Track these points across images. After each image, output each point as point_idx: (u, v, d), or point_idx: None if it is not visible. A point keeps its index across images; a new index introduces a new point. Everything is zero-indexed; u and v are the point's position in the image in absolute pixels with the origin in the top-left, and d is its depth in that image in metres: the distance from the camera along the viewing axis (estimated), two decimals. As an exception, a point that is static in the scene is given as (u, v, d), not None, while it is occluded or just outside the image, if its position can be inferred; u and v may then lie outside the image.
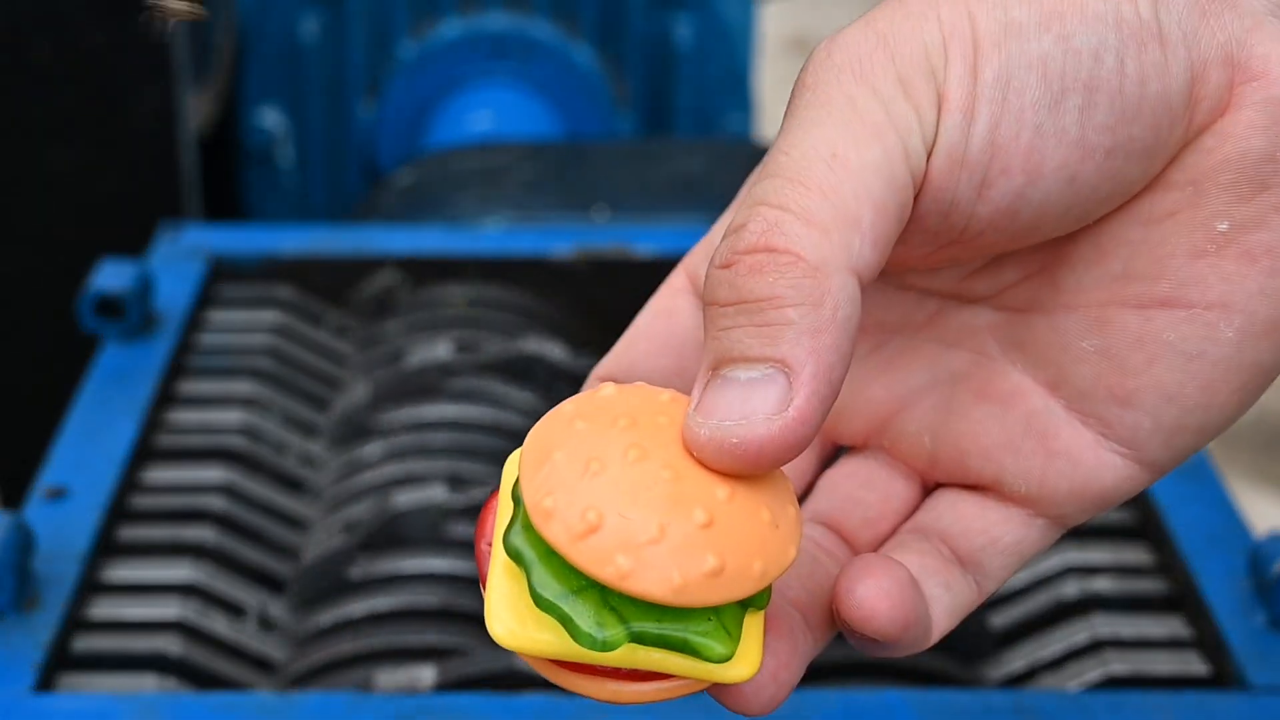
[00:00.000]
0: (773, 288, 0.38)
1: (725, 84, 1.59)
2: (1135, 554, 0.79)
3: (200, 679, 0.73)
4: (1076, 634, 0.75)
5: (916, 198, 0.40)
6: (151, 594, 0.76)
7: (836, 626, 0.43)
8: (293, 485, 0.87)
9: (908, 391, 0.46)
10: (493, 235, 1.05)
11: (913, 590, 0.41)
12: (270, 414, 0.90)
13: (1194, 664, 0.72)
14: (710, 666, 0.39)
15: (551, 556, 0.39)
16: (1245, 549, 0.76)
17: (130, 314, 0.90)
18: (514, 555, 0.39)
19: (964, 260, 0.44)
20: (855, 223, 0.38)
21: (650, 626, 0.39)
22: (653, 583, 0.38)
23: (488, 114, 1.54)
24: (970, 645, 0.76)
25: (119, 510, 0.80)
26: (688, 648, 0.39)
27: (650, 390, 0.41)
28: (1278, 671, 0.69)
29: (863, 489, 0.46)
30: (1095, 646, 0.74)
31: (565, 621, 0.39)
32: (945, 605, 0.44)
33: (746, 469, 0.39)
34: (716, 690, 0.41)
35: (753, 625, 0.40)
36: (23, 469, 1.04)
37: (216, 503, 0.82)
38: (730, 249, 0.39)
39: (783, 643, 0.42)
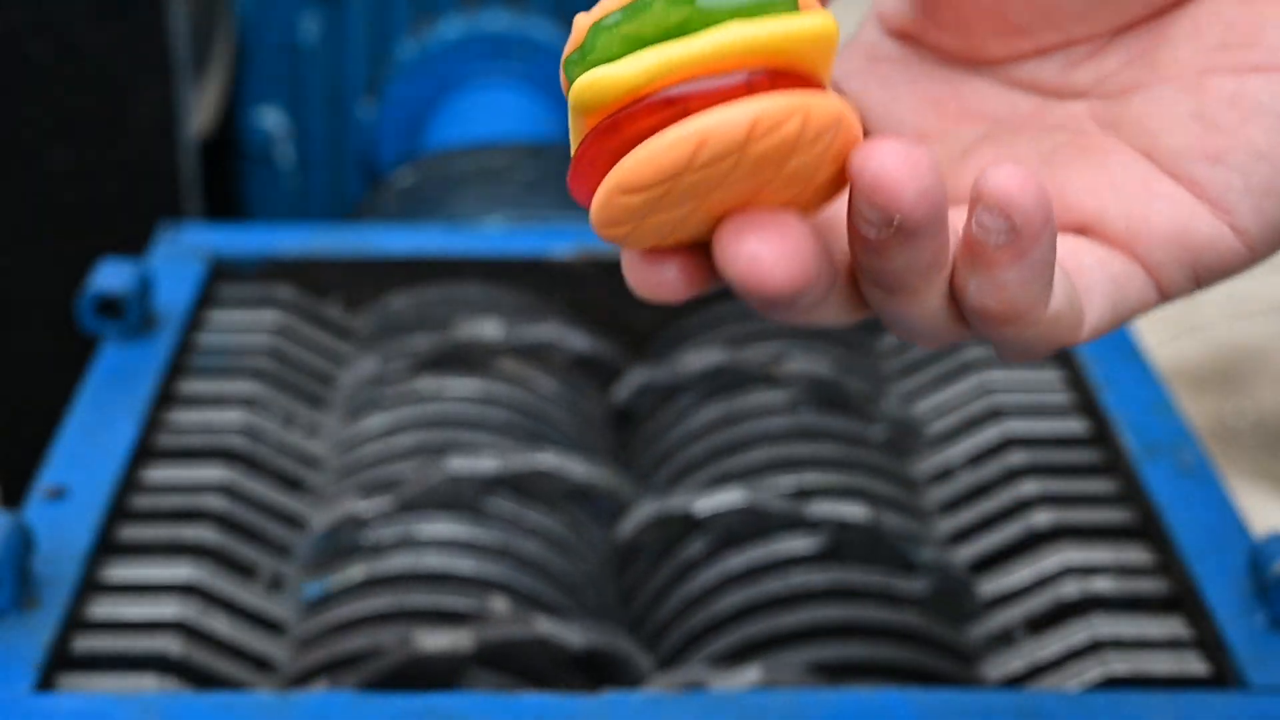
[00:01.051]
0: None
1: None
2: (1135, 554, 0.79)
3: (200, 679, 0.73)
4: (1076, 634, 0.75)
5: None
6: (151, 594, 0.76)
7: None
8: (293, 485, 0.87)
9: (1012, 154, 0.47)
10: (493, 235, 1.05)
11: (1043, 186, 0.40)
12: (270, 414, 0.90)
13: (1194, 664, 0.72)
14: (787, 20, 0.38)
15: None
16: (1245, 549, 0.76)
17: (130, 314, 0.90)
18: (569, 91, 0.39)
19: (1063, 16, 0.46)
20: None
21: None
22: None
23: (488, 114, 1.54)
24: (969, 647, 0.76)
25: (119, 510, 0.80)
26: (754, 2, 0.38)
27: None
28: (1277, 671, 0.69)
29: None
30: (1095, 647, 0.74)
31: (611, 30, 0.38)
32: (1061, 283, 0.42)
33: None
34: (725, 260, 0.39)
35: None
36: (23, 469, 1.04)
37: (216, 502, 0.82)
38: None
39: (800, 228, 0.39)
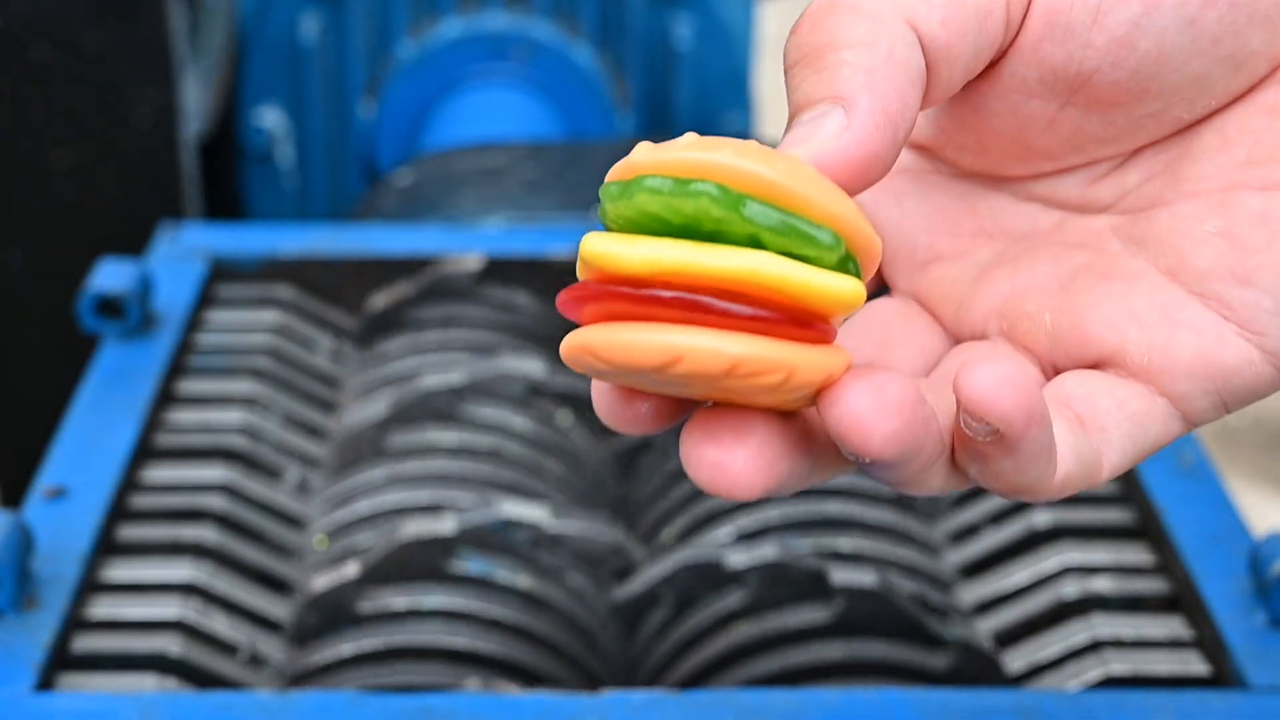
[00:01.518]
0: (830, 34, 0.39)
1: (725, 84, 1.59)
2: (1135, 554, 0.79)
3: (200, 679, 0.73)
4: (1076, 634, 0.75)
5: (1026, 18, 0.41)
6: (151, 593, 0.76)
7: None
8: (292, 485, 0.87)
9: (1029, 281, 0.45)
10: (493, 235, 1.05)
11: (1039, 386, 0.38)
12: (270, 414, 0.90)
13: (1194, 664, 0.72)
14: (818, 276, 0.37)
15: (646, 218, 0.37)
16: (1245, 549, 0.76)
17: (130, 314, 0.90)
18: (601, 214, 0.38)
19: (1089, 141, 0.44)
20: None
21: (757, 210, 0.36)
22: (758, 166, 0.36)
23: (488, 114, 1.54)
24: (971, 654, 0.76)
25: (119, 510, 0.80)
26: (797, 232, 0.37)
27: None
28: (1277, 671, 0.69)
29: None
30: (1095, 646, 0.74)
31: (656, 192, 0.37)
32: (1070, 445, 0.41)
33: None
34: (829, 411, 0.37)
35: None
36: (23, 469, 1.04)
37: (216, 502, 0.82)
38: (800, 17, 0.40)
39: (903, 382, 0.38)
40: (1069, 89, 0.42)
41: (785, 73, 0.40)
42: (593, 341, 0.37)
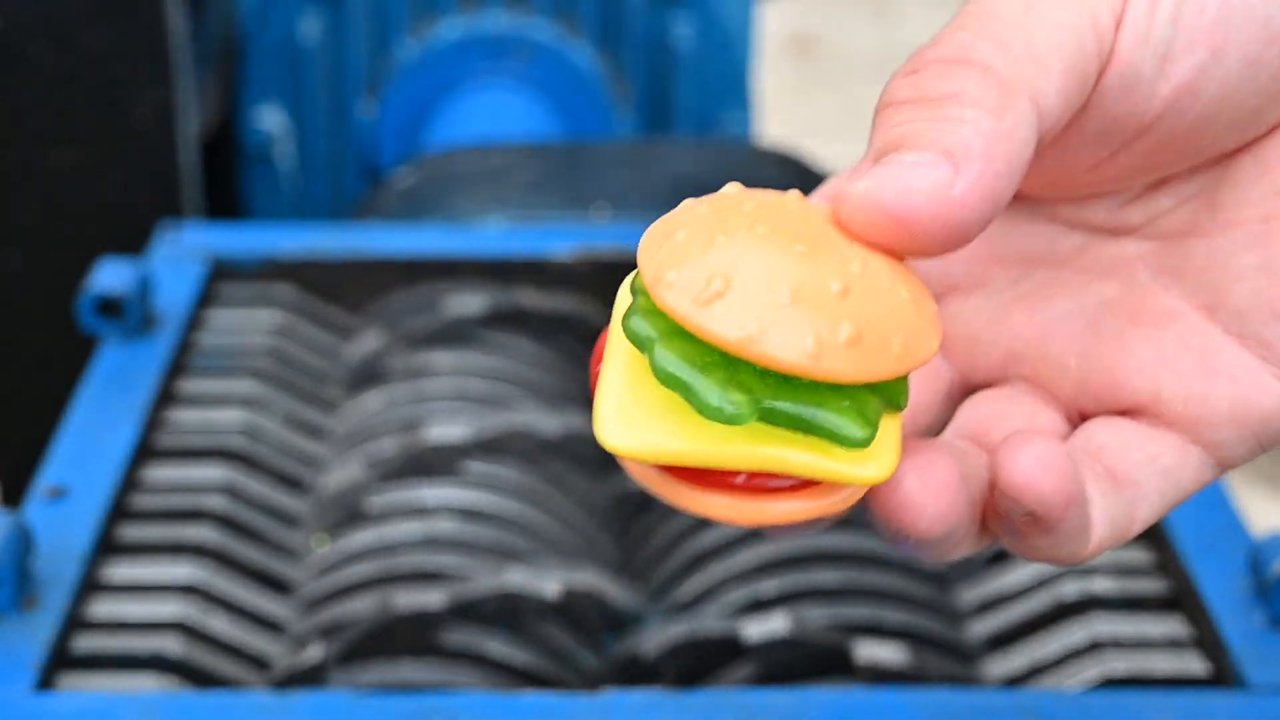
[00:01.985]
0: (959, 86, 0.38)
1: (725, 84, 1.59)
2: (1134, 553, 0.79)
3: (200, 679, 0.73)
4: (1076, 634, 0.75)
5: (1102, 77, 0.39)
6: (151, 594, 0.76)
7: (990, 528, 0.41)
8: (293, 485, 0.87)
9: (1051, 319, 0.43)
10: (493, 235, 1.05)
11: (1074, 467, 0.38)
12: (270, 414, 0.90)
13: (1193, 664, 0.72)
14: (843, 459, 0.36)
15: (675, 335, 0.35)
16: (1244, 548, 0.75)
17: (130, 314, 0.90)
18: (633, 338, 0.36)
19: (1129, 175, 0.42)
20: (1046, 67, 0.38)
21: (782, 402, 0.35)
22: (785, 347, 0.34)
23: (488, 114, 1.54)
24: (968, 649, 0.76)
25: (119, 510, 0.80)
26: (821, 428, 0.35)
27: (778, 193, 0.38)
28: (1277, 671, 0.69)
29: (1008, 405, 0.44)
30: (1094, 646, 0.74)
31: (688, 393, 0.35)
32: (1103, 509, 0.40)
33: (897, 233, 0.37)
34: (876, 499, 0.38)
35: (890, 428, 0.37)
36: (23, 469, 1.04)
37: (217, 502, 0.82)
38: (918, 57, 0.38)
39: (947, 462, 0.38)
40: (1127, 139, 0.41)
41: (887, 105, 0.38)
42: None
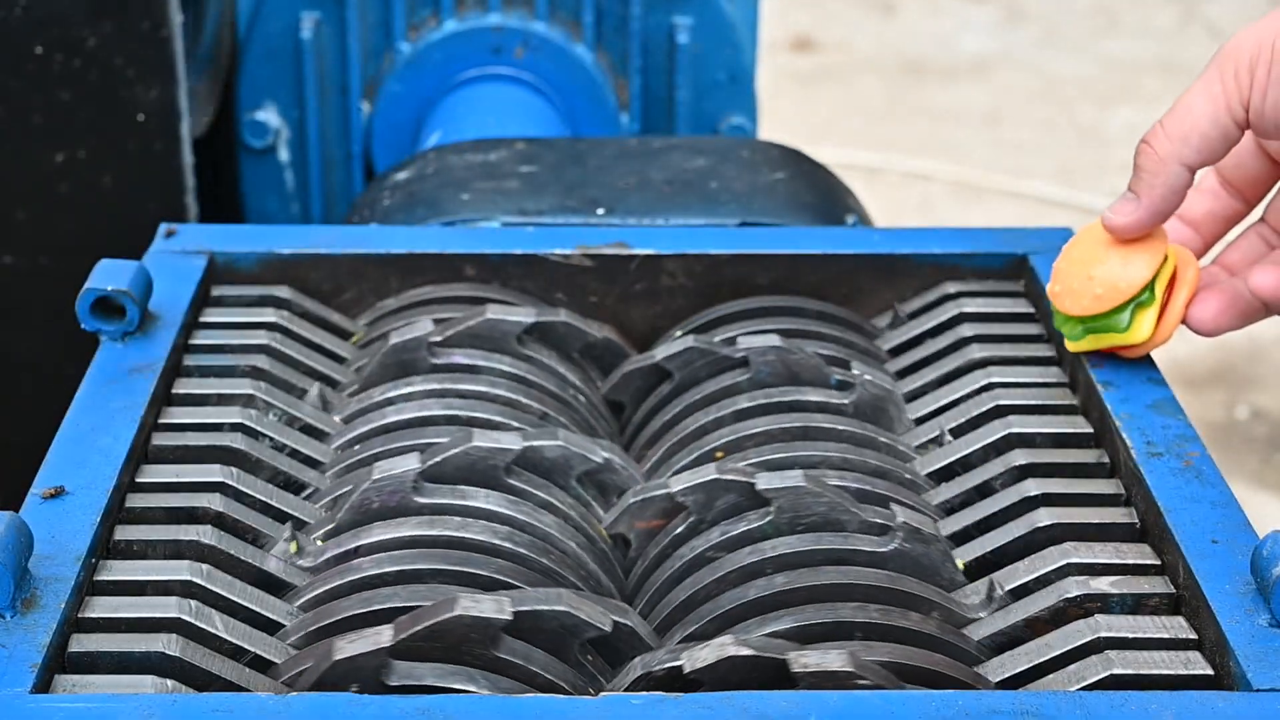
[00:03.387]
0: (1142, 162, 0.86)
1: (726, 84, 1.59)
2: (1137, 554, 0.79)
3: (199, 679, 0.72)
4: (1078, 634, 0.74)
5: (1248, 129, 0.84)
6: (150, 594, 0.76)
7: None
8: (292, 485, 0.87)
9: None
10: (492, 235, 1.05)
11: None
12: (270, 414, 0.90)
13: (1196, 664, 0.72)
14: (1122, 338, 0.89)
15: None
16: (1248, 550, 0.75)
17: (130, 314, 0.90)
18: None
19: None
20: (1185, 140, 0.84)
21: (1094, 321, 0.89)
22: (1068, 307, 0.90)
23: (488, 114, 1.54)
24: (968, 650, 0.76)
25: (117, 510, 0.80)
26: (1108, 327, 0.89)
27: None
28: (1279, 672, 0.69)
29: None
30: (1097, 646, 0.74)
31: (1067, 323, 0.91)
32: None
33: (1114, 235, 0.88)
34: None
35: (1144, 314, 0.88)
36: (23, 469, 1.04)
37: (215, 503, 0.81)
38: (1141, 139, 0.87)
39: (1219, 299, 0.88)
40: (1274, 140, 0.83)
41: (1135, 163, 0.86)
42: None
